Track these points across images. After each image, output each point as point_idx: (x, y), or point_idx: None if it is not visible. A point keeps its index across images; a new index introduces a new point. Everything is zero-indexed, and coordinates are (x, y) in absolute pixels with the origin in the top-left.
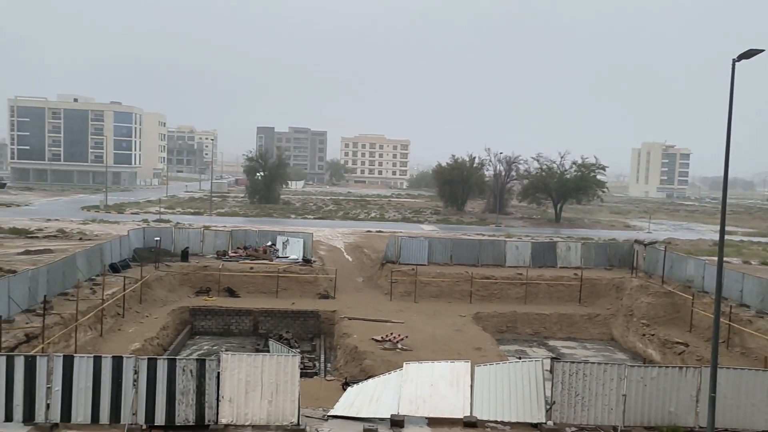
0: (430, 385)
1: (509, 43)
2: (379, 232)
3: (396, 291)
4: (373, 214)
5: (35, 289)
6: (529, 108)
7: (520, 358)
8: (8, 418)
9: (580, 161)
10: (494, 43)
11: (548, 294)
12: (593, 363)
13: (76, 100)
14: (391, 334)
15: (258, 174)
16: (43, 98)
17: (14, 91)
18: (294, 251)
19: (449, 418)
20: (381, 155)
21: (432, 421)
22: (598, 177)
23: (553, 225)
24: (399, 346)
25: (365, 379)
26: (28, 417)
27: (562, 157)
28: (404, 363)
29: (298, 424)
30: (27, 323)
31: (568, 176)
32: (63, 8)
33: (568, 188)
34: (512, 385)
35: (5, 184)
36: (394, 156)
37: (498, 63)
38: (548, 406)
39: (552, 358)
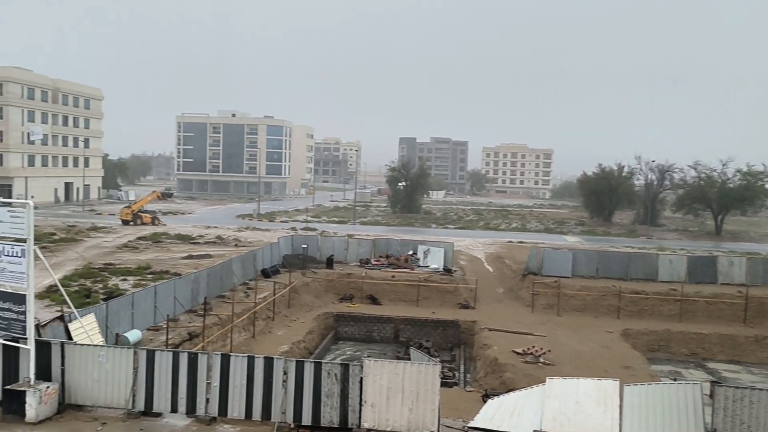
0: (575, 402)
1: (658, 42)
2: (521, 242)
3: (538, 303)
4: (514, 225)
5: (197, 291)
6: (685, 114)
7: (675, 380)
8: (174, 409)
9: (745, 169)
10: (641, 43)
11: (707, 312)
12: (762, 389)
13: (233, 115)
14: (533, 347)
15: (400, 184)
16: (205, 114)
17: (183, 108)
18: (435, 260)
19: None
20: (523, 165)
21: None
22: (767, 186)
23: (713, 238)
24: (541, 360)
25: (506, 392)
26: (191, 409)
27: (723, 165)
28: (547, 378)
29: None
30: (190, 322)
31: (730, 185)
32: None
33: (730, 198)
34: (666, 408)
35: (172, 193)
36: (537, 165)
37: (644, 66)
38: None
39: (712, 382)
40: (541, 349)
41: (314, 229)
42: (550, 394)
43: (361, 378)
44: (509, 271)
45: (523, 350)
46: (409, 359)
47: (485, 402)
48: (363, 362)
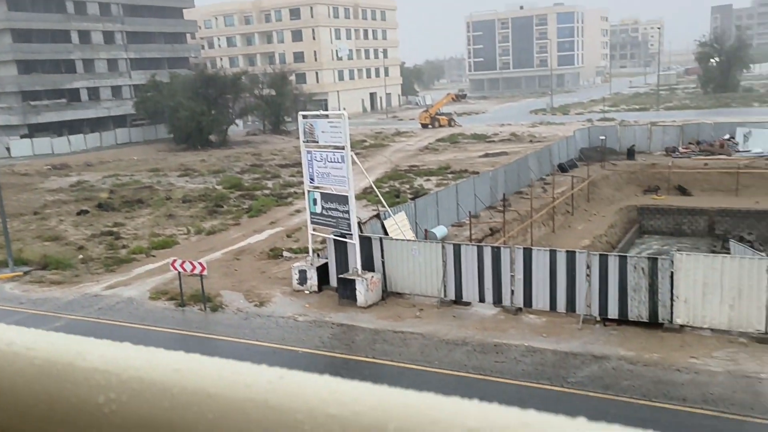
0: None
1: None
2: None
3: None
4: None
5: (495, 188)
6: None
7: None
8: (481, 299)
9: None
10: None
11: None
12: None
13: (521, 7)
14: None
15: (712, 60)
16: (493, 10)
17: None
18: (758, 144)
19: None
20: None
21: None
22: None
23: None
24: None
25: None
26: (497, 300)
27: None
28: None
29: (767, 332)
30: (490, 218)
31: None
32: None
33: None
34: None
35: (465, 94)
36: None
37: None
38: None
39: None
40: None
41: (612, 119)
42: None
43: (672, 272)
44: None
45: None
46: (728, 253)
47: None
48: (674, 256)
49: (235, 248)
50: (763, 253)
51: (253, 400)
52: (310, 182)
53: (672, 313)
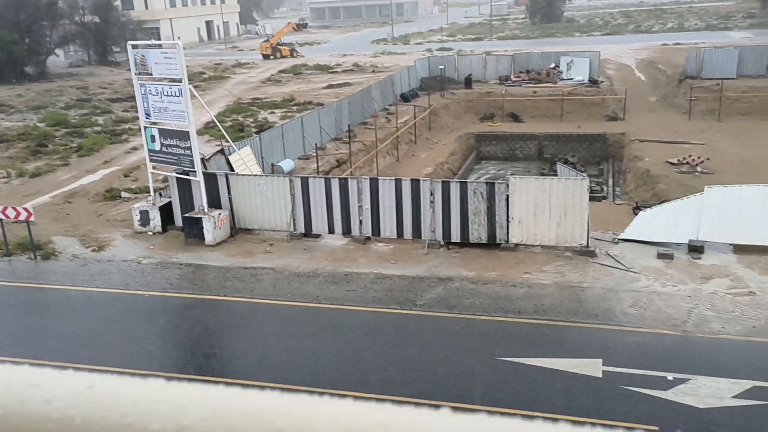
0: (736, 210)
1: None
2: (677, 44)
3: (696, 110)
4: (669, 25)
5: (340, 120)
6: None
7: None
8: (331, 230)
9: None
10: None
11: None
12: None
13: None
14: (690, 156)
15: None
16: None
17: None
18: (579, 72)
19: (760, 245)
20: None
21: (738, 248)
22: None
23: None
24: (699, 169)
25: (659, 204)
26: (347, 230)
27: None
28: (705, 187)
29: (587, 246)
30: (336, 150)
31: None
32: None
33: None
34: None
35: (307, 24)
36: None
37: None
38: None
39: None
40: (699, 157)
41: (450, 49)
42: (709, 203)
43: (507, 195)
44: (663, 78)
45: (679, 160)
46: (555, 175)
47: (636, 214)
48: (508, 180)
49: (65, 191)
50: (584, 174)
51: (54, 420)
52: (147, 118)
53: (508, 233)
